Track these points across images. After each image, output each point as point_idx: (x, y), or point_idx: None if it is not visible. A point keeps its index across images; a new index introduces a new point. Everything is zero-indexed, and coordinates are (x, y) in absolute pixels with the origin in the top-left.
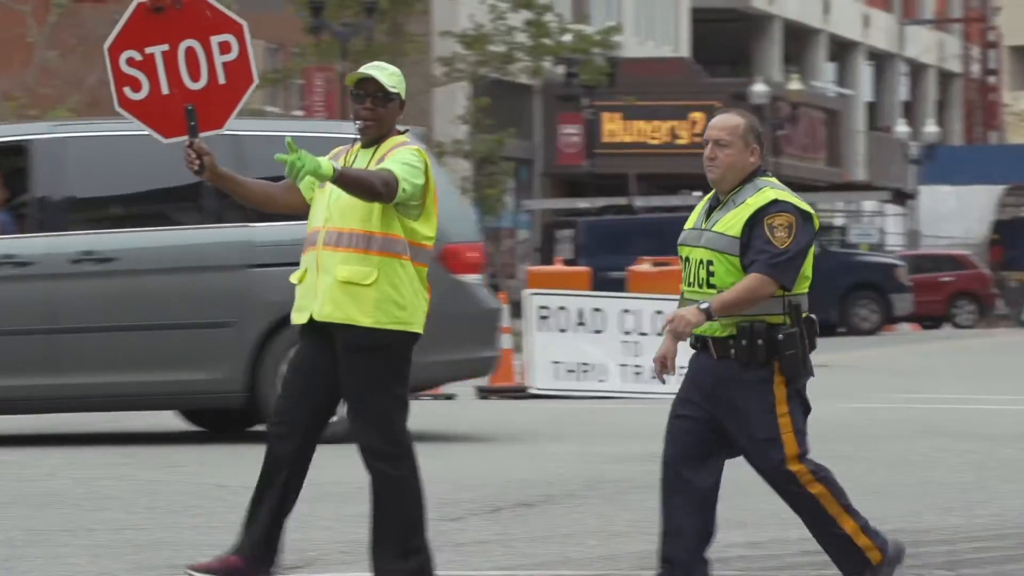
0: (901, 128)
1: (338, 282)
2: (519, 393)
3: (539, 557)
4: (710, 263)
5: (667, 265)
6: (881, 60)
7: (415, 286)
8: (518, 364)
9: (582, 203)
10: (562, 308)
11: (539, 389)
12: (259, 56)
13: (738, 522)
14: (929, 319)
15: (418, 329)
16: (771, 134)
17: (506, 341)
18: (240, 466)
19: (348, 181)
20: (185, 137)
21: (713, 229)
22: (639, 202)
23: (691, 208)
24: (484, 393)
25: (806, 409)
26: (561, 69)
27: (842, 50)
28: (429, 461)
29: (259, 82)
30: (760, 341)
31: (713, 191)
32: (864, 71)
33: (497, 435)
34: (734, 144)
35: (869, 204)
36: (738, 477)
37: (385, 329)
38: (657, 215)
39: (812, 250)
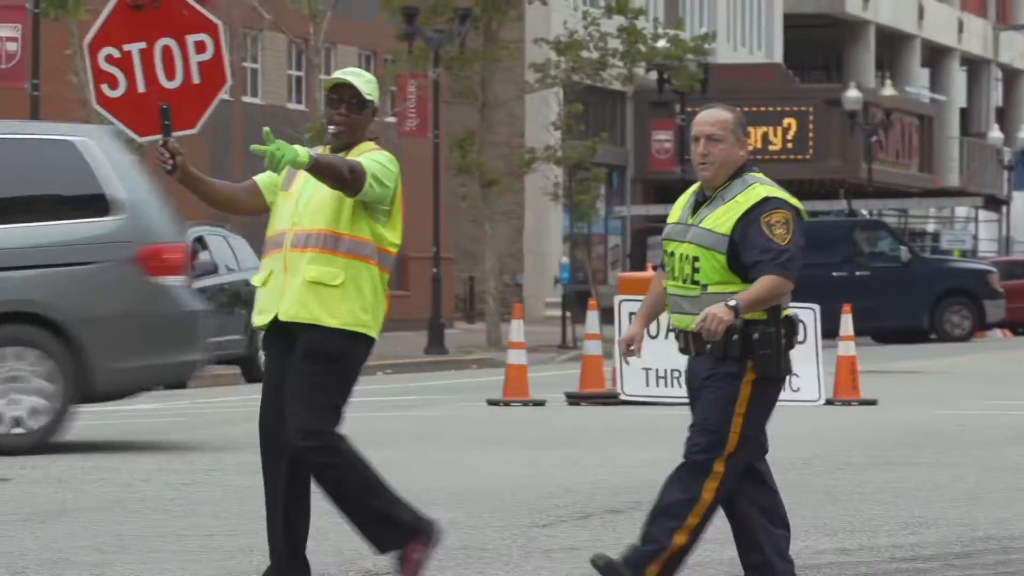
0: (994, 134)
1: (306, 282)
2: (610, 399)
3: None
4: (696, 259)
5: None
6: (975, 65)
7: (377, 292)
8: (609, 370)
9: None
10: None
11: (629, 396)
12: (352, 62)
13: (828, 529)
14: (1021, 325)
15: (375, 334)
16: (864, 140)
17: (596, 347)
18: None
19: (321, 167)
20: (159, 136)
21: (701, 225)
22: None
23: None
24: (574, 399)
25: (765, 414)
26: (654, 75)
27: (936, 56)
28: (519, 467)
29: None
30: (735, 336)
31: (697, 185)
32: (958, 76)
33: (587, 441)
34: (726, 138)
35: (962, 210)
36: (827, 485)
37: (348, 331)
38: None
39: None
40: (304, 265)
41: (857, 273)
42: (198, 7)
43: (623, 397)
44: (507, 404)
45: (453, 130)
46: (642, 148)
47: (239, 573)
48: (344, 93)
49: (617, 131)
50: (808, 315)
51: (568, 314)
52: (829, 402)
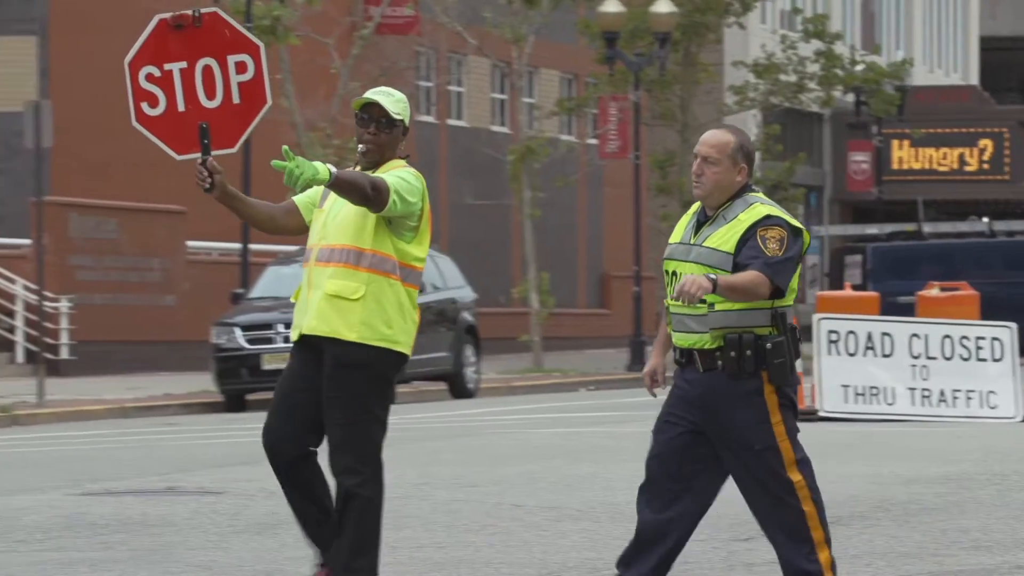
0: None
1: (326, 296)
2: (809, 416)
3: None
4: None
5: (956, 290)
6: None
7: (403, 306)
8: (808, 387)
9: (871, 229)
10: (851, 332)
11: (828, 412)
12: (554, 85)
13: None
14: None
15: (404, 349)
16: None
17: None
18: (535, 486)
19: (342, 183)
20: (198, 154)
21: (704, 244)
22: (927, 228)
23: (979, 234)
24: None
25: (795, 413)
26: (851, 97)
27: None
28: None
29: (554, 107)
30: (748, 352)
31: (698, 205)
32: None
33: None
34: (722, 162)
35: None
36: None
37: (370, 345)
38: (945, 241)
39: (800, 266)
40: (325, 280)
41: None
42: (239, 27)
43: (822, 413)
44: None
45: (654, 151)
46: (839, 169)
47: None
48: (373, 112)
49: (815, 152)
50: (1005, 333)
51: None
52: None
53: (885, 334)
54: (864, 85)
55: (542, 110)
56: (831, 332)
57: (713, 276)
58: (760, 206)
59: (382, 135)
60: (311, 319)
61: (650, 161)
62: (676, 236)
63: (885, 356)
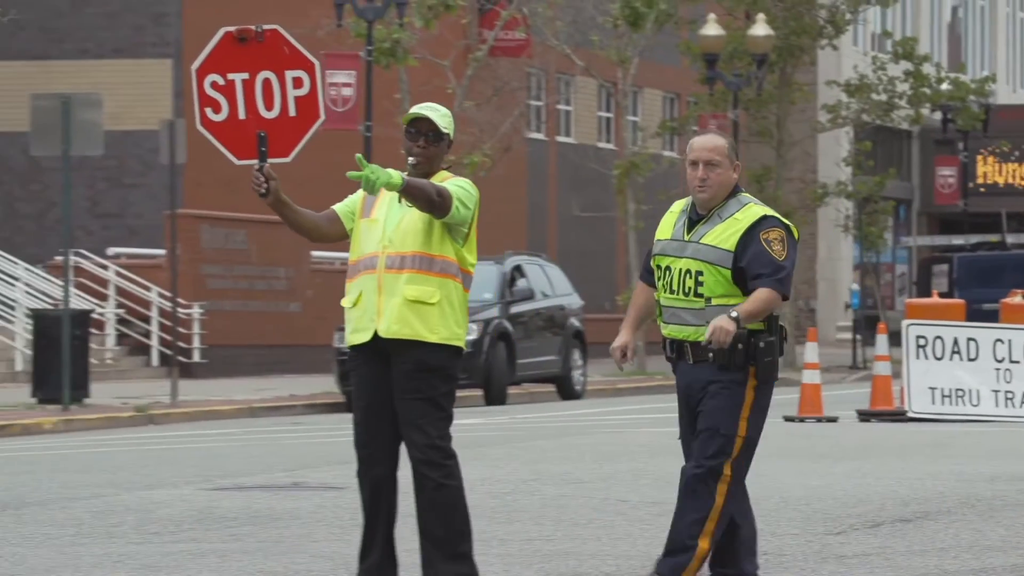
0: None
1: (407, 301)
2: (898, 417)
3: (917, 569)
4: (699, 273)
5: None
6: None
7: (464, 307)
8: (897, 389)
9: (957, 240)
10: (938, 338)
11: (916, 413)
12: (657, 104)
13: None
14: None
15: (465, 346)
16: None
17: (885, 368)
18: (639, 482)
19: (412, 188)
20: (255, 160)
21: (701, 242)
22: (1011, 239)
23: None
24: (865, 416)
25: (762, 417)
26: (938, 115)
27: None
28: (813, 479)
29: (658, 129)
30: (740, 346)
31: (684, 204)
32: None
33: (877, 455)
34: (723, 163)
35: None
36: None
37: (447, 345)
38: None
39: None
40: (402, 285)
41: None
42: (297, 45)
43: (911, 414)
44: (802, 420)
45: (751, 167)
46: (927, 183)
47: (557, 575)
48: (422, 127)
49: (904, 167)
50: None
51: (858, 337)
52: None
53: (970, 339)
54: (950, 103)
55: (646, 130)
56: (919, 337)
57: (734, 314)
58: (754, 206)
59: (431, 148)
60: (391, 323)
61: (747, 176)
62: (665, 233)
63: (970, 360)
